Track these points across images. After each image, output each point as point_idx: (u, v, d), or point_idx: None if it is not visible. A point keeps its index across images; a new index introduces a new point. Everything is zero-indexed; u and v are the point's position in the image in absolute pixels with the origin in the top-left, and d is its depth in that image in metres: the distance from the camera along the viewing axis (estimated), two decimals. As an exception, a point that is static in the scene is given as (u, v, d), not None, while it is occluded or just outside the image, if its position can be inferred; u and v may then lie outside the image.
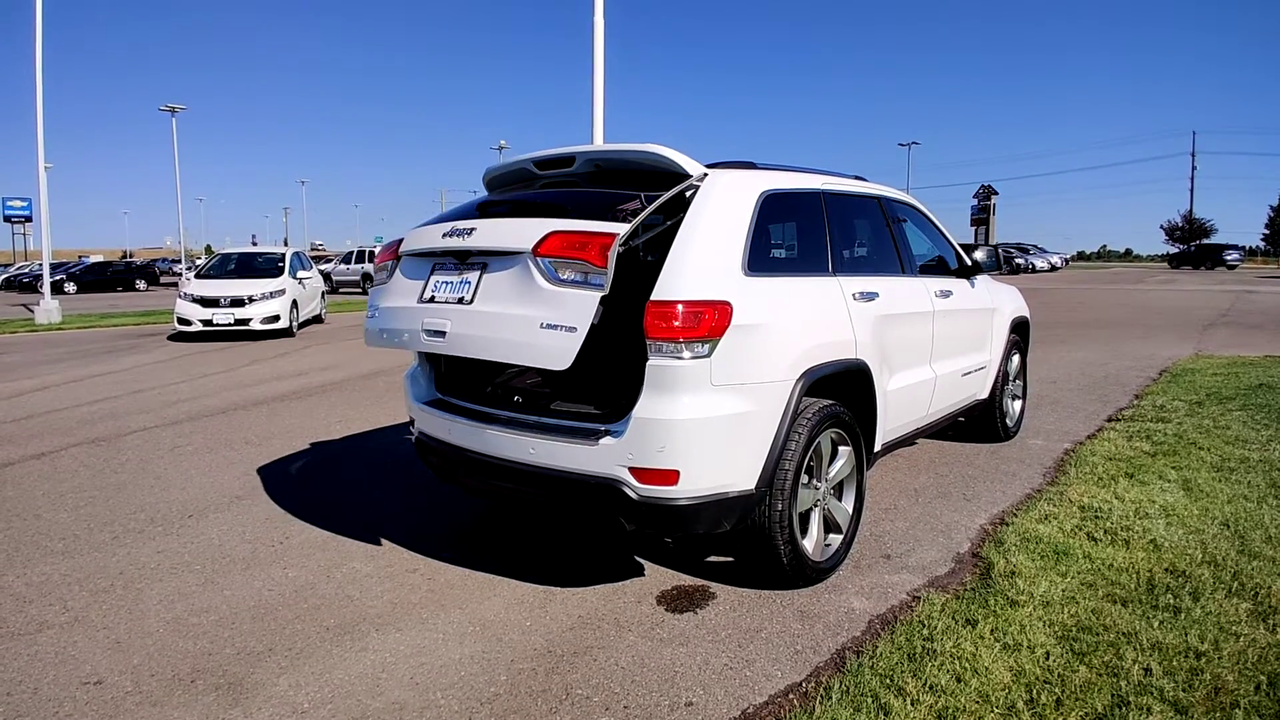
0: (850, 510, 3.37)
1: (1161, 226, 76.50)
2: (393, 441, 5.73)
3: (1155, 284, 30.20)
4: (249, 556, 3.56)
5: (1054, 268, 47.01)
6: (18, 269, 43.22)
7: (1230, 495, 4.16)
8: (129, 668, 2.61)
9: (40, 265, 21.57)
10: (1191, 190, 75.41)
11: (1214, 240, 61.86)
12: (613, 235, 2.57)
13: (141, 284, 37.25)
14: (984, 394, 5.06)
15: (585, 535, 3.76)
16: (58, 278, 31.90)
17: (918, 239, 4.44)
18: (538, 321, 2.65)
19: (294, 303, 13.04)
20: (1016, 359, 5.57)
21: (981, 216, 47.89)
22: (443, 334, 2.94)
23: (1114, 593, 3.05)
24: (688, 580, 3.26)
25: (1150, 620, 2.82)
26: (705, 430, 2.66)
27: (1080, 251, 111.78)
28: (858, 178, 4.09)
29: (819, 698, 2.38)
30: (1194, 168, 72.80)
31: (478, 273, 2.94)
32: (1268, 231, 72.77)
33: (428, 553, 3.58)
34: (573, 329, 2.58)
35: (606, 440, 2.69)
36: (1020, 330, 5.57)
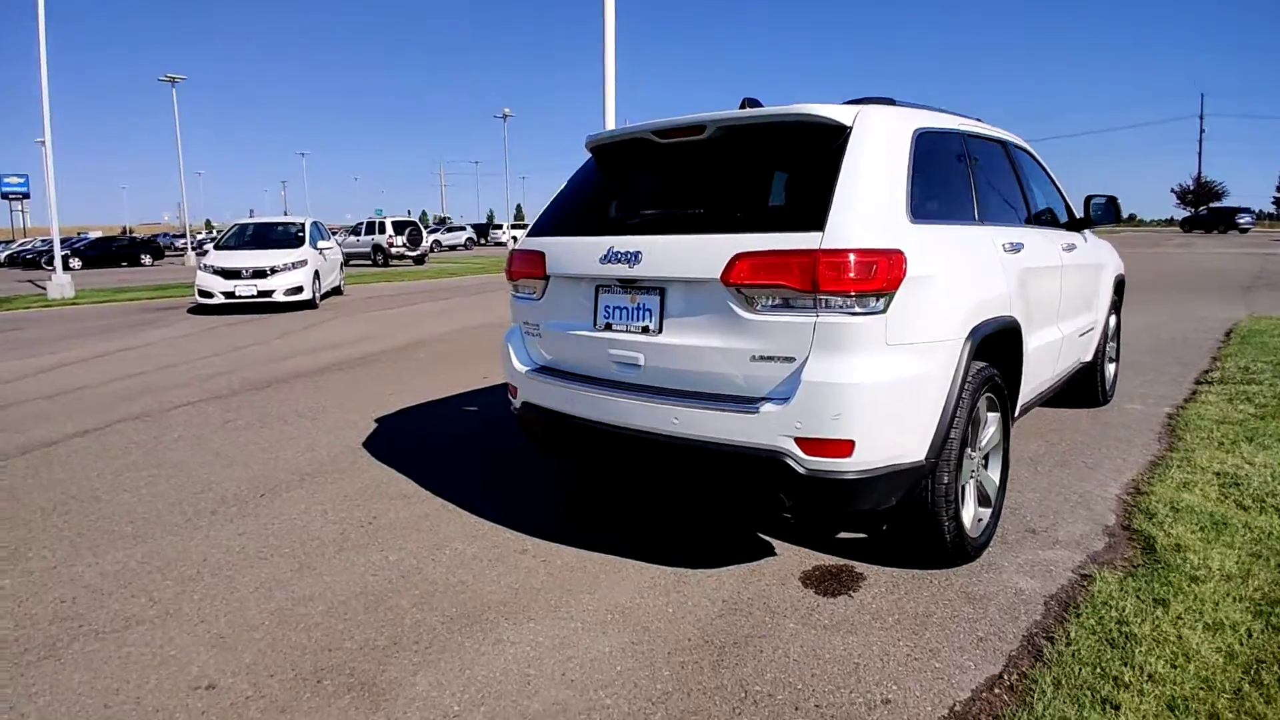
0: (997, 481, 3.09)
1: (1172, 190, 75.51)
2: (454, 414, 5.45)
3: (1174, 248, 29.74)
4: (339, 538, 3.29)
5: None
6: (20, 245, 42.73)
7: (1378, 460, 3.88)
8: (241, 667, 2.35)
9: (43, 241, 21.16)
10: (1200, 153, 74.20)
11: (1224, 204, 61.03)
12: (810, 254, 2.32)
13: (147, 259, 36.76)
14: (1088, 356, 4.76)
15: (697, 509, 3.49)
16: (63, 253, 31.44)
17: (1034, 187, 4.10)
18: (747, 354, 2.47)
19: (316, 274, 12.68)
20: (1113, 319, 5.26)
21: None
22: (637, 366, 2.73)
23: (1301, 568, 2.78)
24: (827, 560, 2.99)
25: (1358, 598, 2.55)
26: (883, 395, 2.37)
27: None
28: (977, 120, 3.75)
29: (1035, 693, 2.12)
30: (1202, 130, 71.87)
31: (657, 299, 2.69)
32: (1279, 195, 71.95)
33: (532, 532, 3.31)
34: (790, 359, 2.39)
35: (768, 407, 2.40)
36: (1119, 289, 5.25)
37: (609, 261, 2.74)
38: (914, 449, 2.48)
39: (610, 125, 32.52)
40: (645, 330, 2.70)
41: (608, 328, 2.82)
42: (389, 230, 26.75)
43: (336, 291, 15.06)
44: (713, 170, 2.85)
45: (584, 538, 3.24)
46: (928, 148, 2.84)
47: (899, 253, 2.38)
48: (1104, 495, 3.61)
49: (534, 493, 3.83)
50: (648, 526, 3.37)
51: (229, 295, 11.97)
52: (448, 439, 4.80)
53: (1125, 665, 2.21)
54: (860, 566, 2.93)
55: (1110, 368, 5.35)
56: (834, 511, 2.61)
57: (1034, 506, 3.49)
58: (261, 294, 11.94)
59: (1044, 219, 4.15)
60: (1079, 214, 4.45)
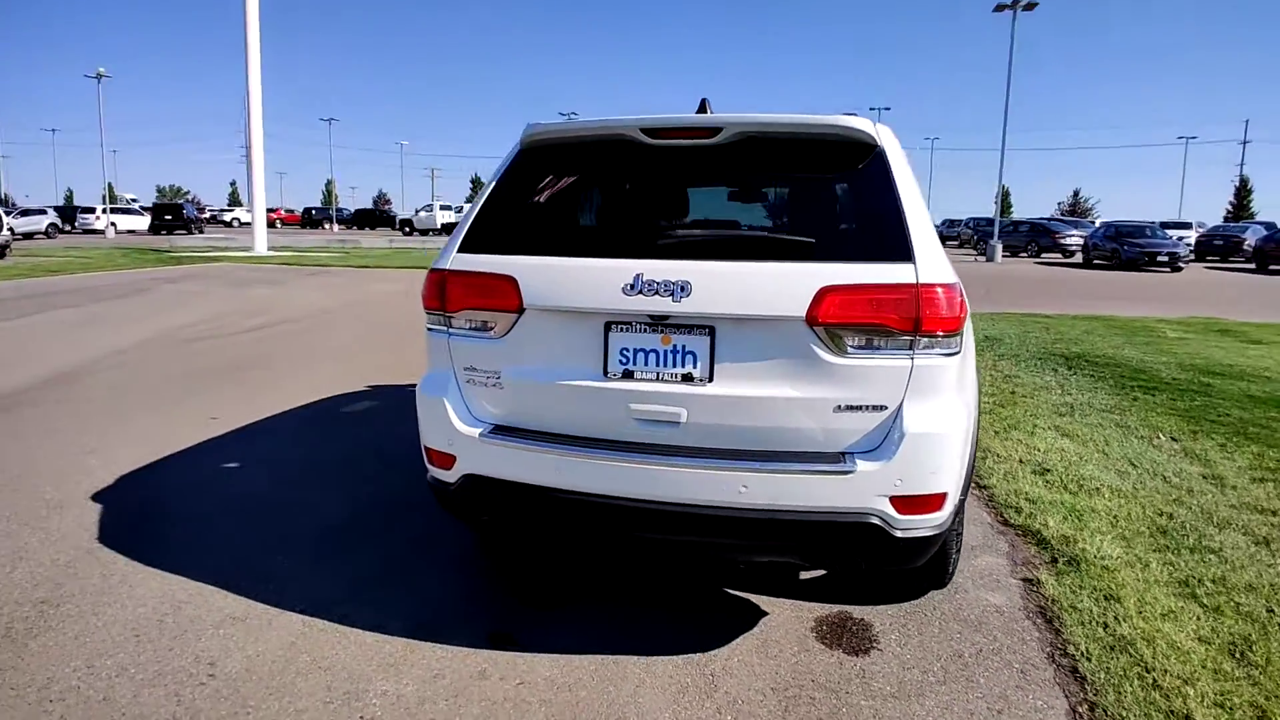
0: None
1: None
2: (213, 478, 4.06)
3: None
4: (183, 709, 2.15)
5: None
6: None
7: (1104, 437, 4.90)
8: None
9: None
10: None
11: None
12: (911, 288, 2.09)
13: None
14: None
15: (636, 570, 3.01)
16: None
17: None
18: (831, 404, 2.13)
19: None
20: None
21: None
22: (675, 424, 2.18)
23: (1154, 544, 3.32)
24: (821, 609, 2.78)
25: (1208, 562, 3.11)
26: (963, 440, 2.22)
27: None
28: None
29: (1107, 718, 2.16)
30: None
31: (706, 341, 2.17)
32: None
33: (463, 640, 2.54)
34: (880, 407, 2.11)
35: (865, 465, 2.09)
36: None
37: (638, 292, 2.17)
38: (962, 490, 2.39)
39: (255, 107, 28.11)
40: (688, 379, 2.19)
41: (627, 376, 2.23)
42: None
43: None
44: (736, 183, 2.43)
45: (535, 635, 2.58)
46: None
47: (960, 286, 2.25)
48: (964, 493, 3.98)
49: (415, 582, 2.97)
50: (593, 601, 2.81)
51: None
52: (230, 517, 3.55)
53: (1151, 672, 2.37)
54: (856, 611, 2.78)
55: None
56: (906, 568, 2.41)
57: (930, 514, 3.69)
58: None
59: None
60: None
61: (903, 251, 2.13)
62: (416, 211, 53.70)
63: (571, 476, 2.24)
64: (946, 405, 2.17)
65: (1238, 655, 2.46)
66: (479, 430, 2.37)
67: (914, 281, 2.09)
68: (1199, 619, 2.68)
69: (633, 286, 2.18)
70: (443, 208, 52.92)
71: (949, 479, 2.17)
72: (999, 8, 28.95)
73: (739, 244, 2.31)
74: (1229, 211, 66.86)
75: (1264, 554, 3.20)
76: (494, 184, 2.56)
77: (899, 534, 2.13)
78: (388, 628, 2.62)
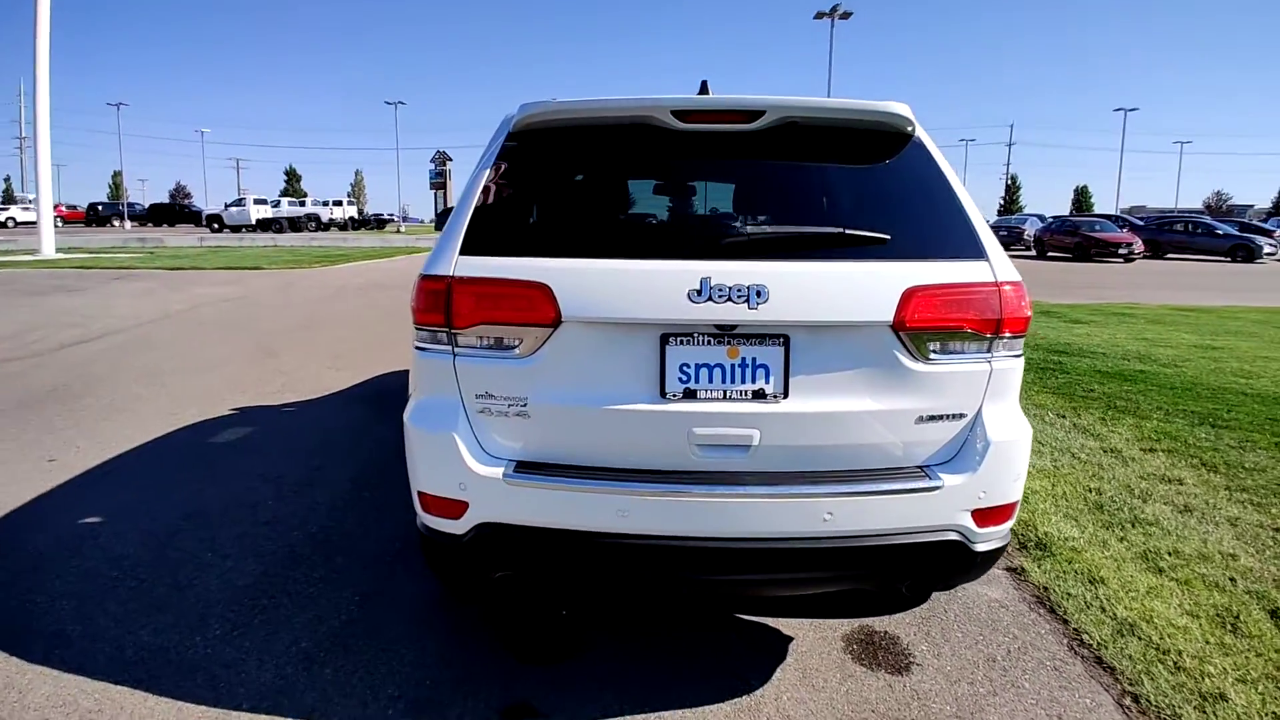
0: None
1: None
2: (72, 535, 3.26)
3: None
4: None
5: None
6: None
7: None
8: None
9: None
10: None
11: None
12: (993, 286, 1.99)
13: None
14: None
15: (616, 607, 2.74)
16: None
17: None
18: (913, 415, 1.98)
19: None
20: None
21: (439, 181, 46.50)
22: (745, 447, 1.92)
23: (1099, 520, 3.53)
24: (841, 626, 2.66)
25: (1153, 535, 3.34)
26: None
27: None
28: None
29: (1165, 708, 2.20)
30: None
31: (779, 351, 1.92)
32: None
33: (491, 713, 2.16)
34: (959, 415, 1.99)
35: (950, 479, 1.95)
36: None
37: (706, 299, 1.89)
38: None
39: (43, 93, 24.34)
40: (760, 396, 1.94)
41: (689, 396, 1.95)
42: None
43: None
44: (776, 172, 2.20)
45: (555, 700, 2.25)
46: None
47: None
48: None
49: (381, 650, 2.51)
50: (596, 650, 2.52)
51: None
52: (112, 589, 2.85)
53: (1167, 654, 2.46)
54: (875, 624, 2.69)
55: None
56: (965, 582, 2.31)
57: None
58: None
59: None
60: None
61: (974, 248, 2.03)
62: (226, 206, 48.79)
63: (627, 518, 1.93)
64: (1016, 409, 2.10)
65: (1230, 628, 2.61)
66: (500, 469, 1.99)
67: (993, 280, 1.99)
68: (1177, 594, 2.84)
69: (699, 292, 1.90)
70: (257, 201, 48.51)
71: (1021, 485, 2.11)
72: (819, 15, 30.85)
73: (812, 242, 2.07)
74: (1001, 205, 76.44)
75: (1194, 522, 3.48)
76: (485, 174, 2.16)
77: (978, 548, 2.03)
78: (377, 718, 2.17)
